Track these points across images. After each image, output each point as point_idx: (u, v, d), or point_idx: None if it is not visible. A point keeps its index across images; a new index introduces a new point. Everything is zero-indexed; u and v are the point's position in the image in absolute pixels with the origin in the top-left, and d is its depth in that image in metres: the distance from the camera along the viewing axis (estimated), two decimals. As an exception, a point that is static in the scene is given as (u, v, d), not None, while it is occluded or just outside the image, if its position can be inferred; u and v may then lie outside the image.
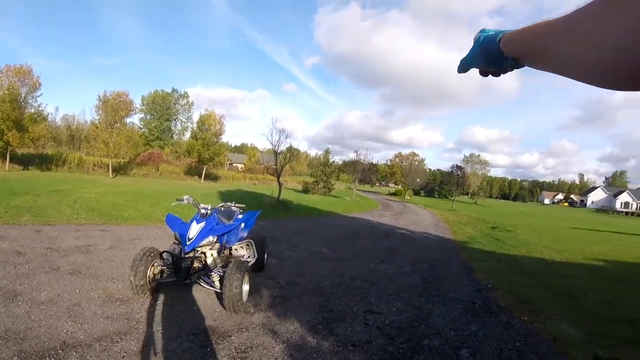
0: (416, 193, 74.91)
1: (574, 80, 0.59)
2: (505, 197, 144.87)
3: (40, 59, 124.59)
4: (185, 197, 5.74)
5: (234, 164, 72.71)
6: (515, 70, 0.83)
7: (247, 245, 6.48)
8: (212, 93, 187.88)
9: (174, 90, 71.94)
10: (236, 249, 6.43)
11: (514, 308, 6.04)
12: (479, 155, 76.02)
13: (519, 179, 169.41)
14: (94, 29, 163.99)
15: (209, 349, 3.87)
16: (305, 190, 39.86)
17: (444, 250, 11.15)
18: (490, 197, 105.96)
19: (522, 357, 4.26)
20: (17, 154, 30.10)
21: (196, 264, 5.05)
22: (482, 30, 0.86)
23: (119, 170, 37.47)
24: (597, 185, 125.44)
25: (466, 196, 75.21)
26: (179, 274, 4.92)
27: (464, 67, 0.92)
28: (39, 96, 29.04)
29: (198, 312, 4.80)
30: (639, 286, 8.79)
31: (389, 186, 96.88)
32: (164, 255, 5.21)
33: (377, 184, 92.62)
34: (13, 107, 25.99)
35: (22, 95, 27.65)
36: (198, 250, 5.12)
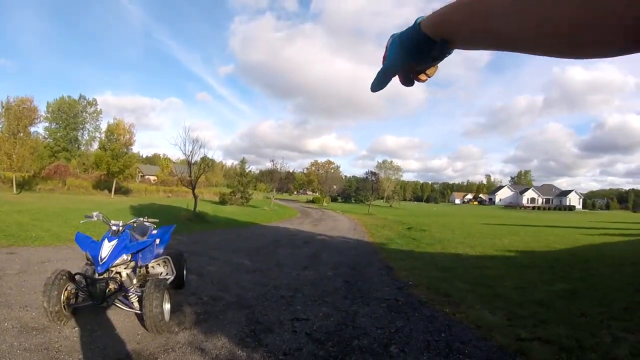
0: (334, 199, 76.64)
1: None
2: (418, 199, 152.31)
3: None
4: (95, 213, 5.43)
5: (146, 176, 70.01)
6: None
7: (164, 262, 6.29)
8: (122, 101, 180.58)
9: (81, 96, 67.65)
10: (153, 267, 6.21)
11: (435, 302, 6.43)
12: (391, 162, 78.67)
13: (430, 182, 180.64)
14: None
15: (135, 374, 3.80)
16: (223, 202, 39.33)
17: (363, 253, 11.55)
18: (405, 200, 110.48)
19: (449, 346, 4.54)
20: None
21: (112, 285, 4.80)
22: (393, 35, 0.78)
23: (23, 185, 34.69)
24: (503, 185, 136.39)
25: (382, 200, 77.69)
26: (94, 297, 4.68)
27: (381, 79, 0.81)
28: None
29: (120, 336, 4.62)
30: (549, 271, 9.65)
31: (306, 194, 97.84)
32: (77, 277, 4.93)
33: (295, 192, 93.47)
34: None
35: None
36: (112, 271, 4.90)
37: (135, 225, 5.93)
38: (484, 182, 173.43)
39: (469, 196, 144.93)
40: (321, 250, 11.93)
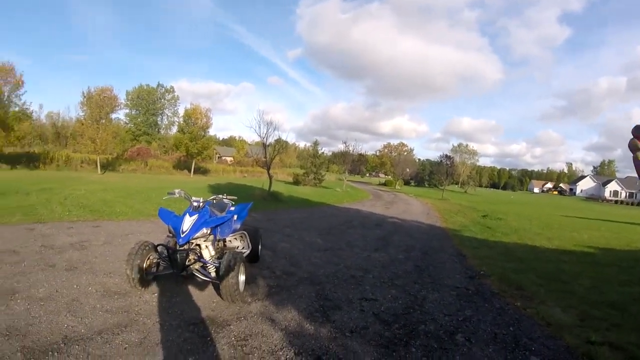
0: (406, 183, 75.42)
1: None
2: (494, 186, 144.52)
3: (20, 57, 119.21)
4: (177, 190, 5.72)
5: (223, 157, 72.40)
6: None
7: (241, 236, 6.49)
8: (198, 87, 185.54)
9: (159, 84, 70.87)
10: (230, 241, 6.44)
11: (506, 294, 6.15)
12: (467, 145, 75.42)
13: (507, 168, 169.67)
14: (72, 26, 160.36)
15: (208, 339, 3.91)
16: (296, 182, 39.98)
17: (436, 238, 11.26)
18: (480, 186, 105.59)
19: (516, 341, 4.34)
20: (5, 154, 29.76)
21: (191, 256, 5.06)
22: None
23: (107, 166, 37.15)
24: (585, 174, 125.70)
25: (456, 185, 75.34)
26: (174, 267, 4.95)
27: None
28: (22, 94, 28.84)
29: (196, 303, 4.84)
30: (628, 271, 8.90)
31: (379, 177, 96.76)
32: (159, 248, 5.26)
33: (367, 175, 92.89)
34: None
35: (5, 94, 27.27)
36: (192, 243, 5.13)
37: (214, 201, 6.18)
38: (565, 170, 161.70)
39: (549, 185, 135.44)
40: (393, 233, 11.80)
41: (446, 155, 51.68)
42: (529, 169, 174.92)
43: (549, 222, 19.17)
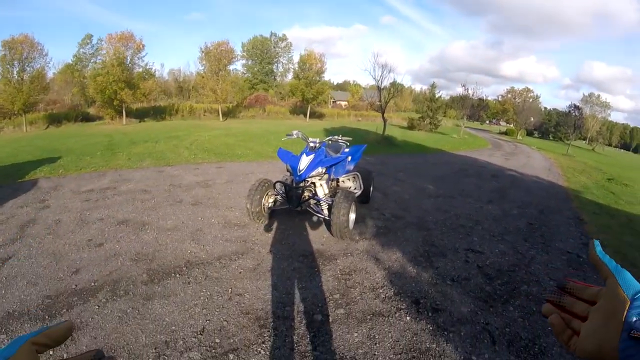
0: (529, 134, 70.05)
1: None
2: (625, 147, 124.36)
3: (140, 24, 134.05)
4: (295, 132, 5.93)
5: (338, 102, 72.43)
6: None
7: (354, 177, 6.61)
8: (310, 33, 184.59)
9: (272, 34, 72.12)
10: (343, 181, 6.63)
11: None
12: (598, 96, 65.54)
13: None
14: None
15: (316, 270, 4.22)
16: (411, 127, 39.15)
17: (554, 197, 10.47)
18: (609, 145, 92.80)
19: None
20: (133, 109, 32.72)
21: (306, 193, 5.39)
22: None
23: (228, 114, 39.01)
24: None
25: (583, 141, 68.02)
26: (291, 202, 5.30)
27: None
28: (144, 56, 30.82)
29: (307, 237, 5.18)
30: None
31: (499, 124, 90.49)
32: (277, 185, 5.59)
33: (487, 122, 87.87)
34: (122, 70, 28.00)
35: (129, 58, 29.56)
36: (308, 181, 5.42)
37: (330, 142, 6.35)
38: None
39: None
40: (509, 186, 11.20)
41: (575, 106, 46.86)
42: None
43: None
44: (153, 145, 14.02)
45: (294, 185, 5.28)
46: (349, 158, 6.51)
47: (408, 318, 3.48)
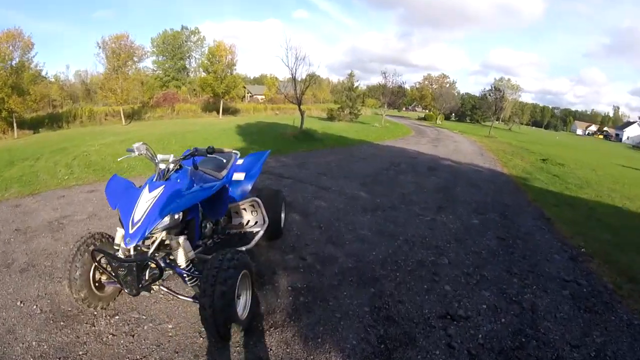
0: (446, 118, 71.16)
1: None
2: (536, 124, 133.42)
3: (40, 22, 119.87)
4: (136, 145, 3.38)
5: (254, 96, 70.51)
6: None
7: (252, 205, 4.50)
8: (223, 27, 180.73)
9: (183, 27, 68.30)
10: (236, 213, 4.54)
11: (623, 292, 4.24)
12: (509, 79, 68.11)
13: (550, 107, 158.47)
14: None
15: None
16: (330, 118, 37.75)
17: (505, 190, 9.12)
18: (521, 124, 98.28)
19: None
20: (26, 119, 28.99)
21: (153, 265, 2.98)
22: None
23: (132, 116, 35.87)
24: (632, 121, 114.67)
25: (498, 122, 70.32)
26: (126, 286, 2.85)
27: None
28: (33, 57, 27.32)
29: (176, 338, 2.99)
30: None
31: (415, 111, 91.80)
32: (99, 257, 3.06)
33: (404, 109, 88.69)
34: (9, 73, 24.65)
35: (16, 59, 26.07)
36: (153, 237, 3.08)
37: (203, 155, 3.65)
38: (610, 114, 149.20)
39: (593, 128, 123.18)
40: (452, 181, 9.70)
41: (495, 88, 47.44)
42: (572, 109, 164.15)
43: (614, 174, 16.46)
44: (31, 165, 11.46)
45: (127, 254, 2.91)
46: (241, 176, 4.49)
47: None
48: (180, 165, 3.43)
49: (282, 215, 5.15)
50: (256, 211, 4.49)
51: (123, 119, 32.89)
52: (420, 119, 64.38)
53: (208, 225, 3.81)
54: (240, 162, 4.75)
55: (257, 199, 4.44)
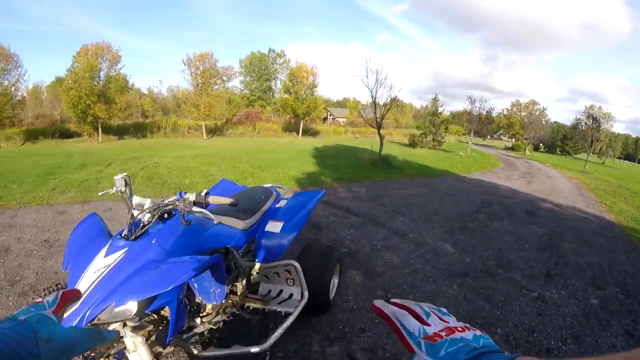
0: (535, 148, 66.48)
1: None
2: (629, 157, 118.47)
3: (139, 40, 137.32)
4: (118, 177, 2.26)
5: (337, 118, 70.46)
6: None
7: (287, 270, 3.09)
8: (308, 50, 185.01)
9: (270, 50, 71.37)
10: (266, 276, 3.20)
11: None
12: (600, 107, 61.39)
13: None
14: (177, 4, 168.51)
15: None
16: (412, 144, 36.00)
17: (621, 249, 7.05)
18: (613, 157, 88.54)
19: None
20: (113, 126, 30.62)
21: None
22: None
23: (214, 131, 36.53)
24: None
25: (591, 155, 63.63)
26: None
27: None
28: (120, 68, 28.69)
29: None
30: None
31: (501, 139, 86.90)
32: None
33: (488, 137, 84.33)
34: (95, 82, 26.28)
35: (105, 70, 27.57)
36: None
37: (186, 207, 2.29)
38: None
39: None
40: (557, 232, 7.86)
41: (592, 117, 43.25)
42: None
43: None
44: (99, 170, 11.53)
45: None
46: (277, 226, 3.18)
47: None
48: (169, 214, 2.28)
49: (335, 281, 3.87)
50: (292, 279, 3.14)
51: (205, 133, 33.60)
52: (507, 148, 60.25)
53: (204, 306, 2.48)
54: (282, 203, 3.53)
55: (294, 263, 3.03)
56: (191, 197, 2.30)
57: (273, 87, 71.18)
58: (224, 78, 33.95)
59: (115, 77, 27.90)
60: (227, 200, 2.46)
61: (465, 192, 11.97)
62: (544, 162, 35.29)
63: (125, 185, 2.25)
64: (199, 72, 32.33)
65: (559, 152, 67.85)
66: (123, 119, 31.83)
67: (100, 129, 27.19)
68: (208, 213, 2.34)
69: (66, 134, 29.22)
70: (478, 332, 0.57)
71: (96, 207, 7.09)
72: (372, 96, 18.11)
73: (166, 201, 2.33)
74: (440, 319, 0.61)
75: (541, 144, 70.90)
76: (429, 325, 0.58)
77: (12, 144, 24.95)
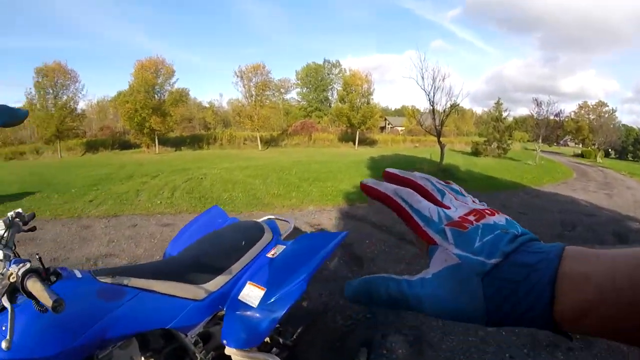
0: (605, 154, 61.51)
1: None
2: None
3: (198, 57, 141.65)
4: (12, 213, 1.48)
5: (395, 127, 69.37)
6: None
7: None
8: (363, 61, 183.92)
9: (325, 60, 73.16)
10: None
11: None
12: None
13: None
14: (236, 23, 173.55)
15: None
16: (475, 153, 34.05)
17: None
18: None
19: None
20: (170, 137, 32.01)
21: None
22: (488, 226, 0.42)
23: (270, 142, 36.72)
24: None
25: None
26: None
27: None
28: (174, 82, 30.18)
29: None
30: None
31: (568, 145, 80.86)
32: None
33: (555, 143, 79.44)
34: (150, 96, 27.63)
35: (159, 84, 29.01)
36: None
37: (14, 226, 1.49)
38: None
39: None
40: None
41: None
42: None
43: None
44: (144, 182, 11.46)
45: None
46: (256, 295, 1.81)
47: None
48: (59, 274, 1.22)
49: None
50: None
51: (260, 144, 33.92)
52: (575, 155, 55.49)
53: None
54: (278, 249, 2.09)
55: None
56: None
57: (330, 97, 72.26)
58: (282, 90, 34.35)
59: (171, 90, 29.21)
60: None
61: (541, 209, 10.46)
62: (618, 169, 32.33)
63: (10, 227, 1.39)
64: (252, 84, 32.86)
65: (630, 158, 62.58)
66: (181, 131, 33.31)
67: (157, 141, 28.26)
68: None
69: (125, 145, 30.89)
70: (508, 217, 0.45)
71: (123, 222, 6.75)
72: (429, 101, 16.71)
73: None
74: (456, 199, 0.47)
75: (611, 150, 65.72)
76: (448, 207, 0.44)
77: (73, 154, 26.63)
